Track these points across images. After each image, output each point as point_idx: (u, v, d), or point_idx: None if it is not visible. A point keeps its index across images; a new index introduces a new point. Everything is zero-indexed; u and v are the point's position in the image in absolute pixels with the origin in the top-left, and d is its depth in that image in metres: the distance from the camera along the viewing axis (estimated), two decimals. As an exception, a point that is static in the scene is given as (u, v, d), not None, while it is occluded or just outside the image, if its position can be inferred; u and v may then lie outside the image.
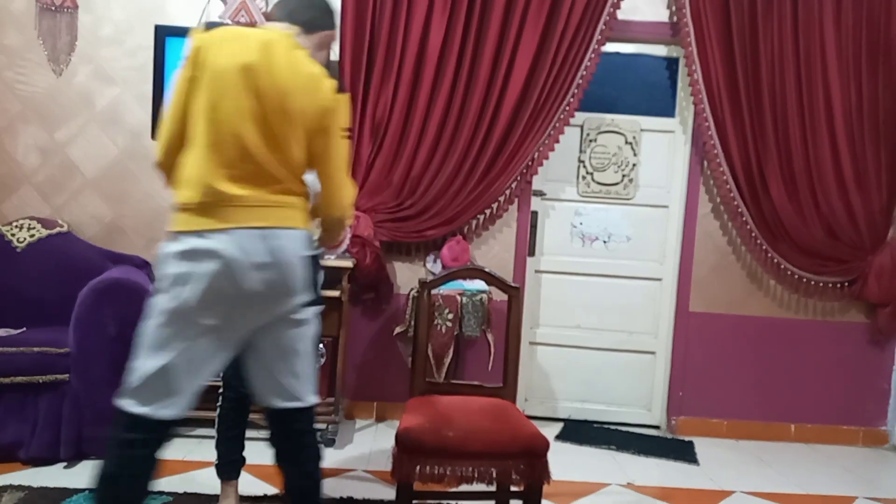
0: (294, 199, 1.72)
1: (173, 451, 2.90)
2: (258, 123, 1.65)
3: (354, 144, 3.40)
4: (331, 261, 2.99)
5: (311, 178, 1.80)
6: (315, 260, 1.78)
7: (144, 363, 1.64)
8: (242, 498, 2.46)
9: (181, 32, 3.20)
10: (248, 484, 2.59)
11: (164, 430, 1.68)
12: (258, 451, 2.74)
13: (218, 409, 2.37)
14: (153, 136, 3.34)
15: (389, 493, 2.58)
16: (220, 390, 2.37)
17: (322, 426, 3.16)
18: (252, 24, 3.28)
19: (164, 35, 3.29)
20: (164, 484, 2.60)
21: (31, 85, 3.46)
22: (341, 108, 1.78)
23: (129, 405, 1.65)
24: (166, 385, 1.64)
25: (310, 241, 1.77)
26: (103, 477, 1.64)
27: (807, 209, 3.54)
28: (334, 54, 3.37)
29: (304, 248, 1.73)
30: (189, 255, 1.61)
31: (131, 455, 1.66)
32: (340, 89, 1.77)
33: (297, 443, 1.83)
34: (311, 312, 1.80)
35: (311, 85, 1.71)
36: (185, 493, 2.54)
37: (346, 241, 2.40)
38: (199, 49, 1.68)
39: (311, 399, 1.83)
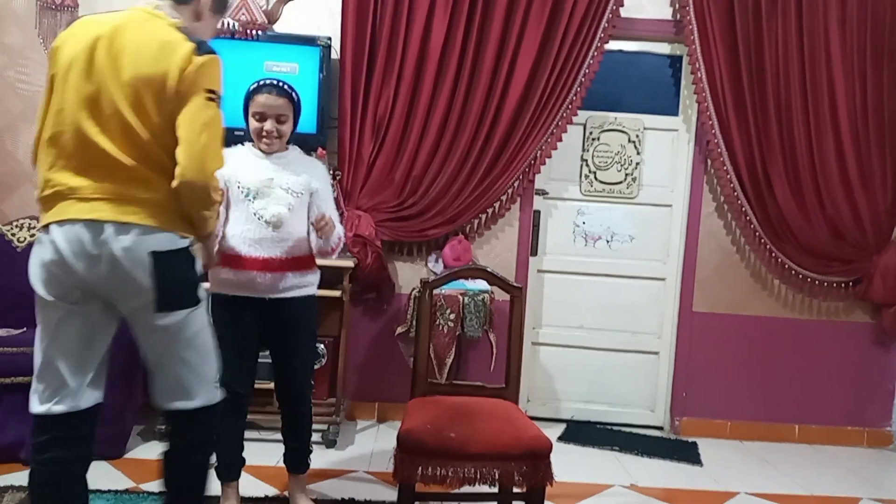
0: (145, 194, 1.60)
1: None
2: (98, 108, 1.58)
3: (355, 143, 3.39)
4: (331, 261, 2.97)
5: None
6: (177, 258, 1.64)
7: (35, 359, 1.67)
8: (243, 499, 2.45)
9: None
10: (249, 485, 2.58)
11: (67, 429, 1.67)
12: (258, 453, 2.74)
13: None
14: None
15: (391, 494, 2.57)
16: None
17: (323, 427, 3.15)
18: (253, 23, 3.26)
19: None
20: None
21: (32, 84, 3.45)
22: (203, 70, 1.59)
23: (32, 406, 1.67)
24: (53, 377, 1.65)
25: (161, 239, 1.61)
26: (28, 487, 1.66)
27: (811, 209, 3.52)
28: (335, 53, 3.37)
29: (148, 246, 1.59)
30: (38, 247, 1.64)
31: (42, 460, 1.66)
32: (205, 51, 1.62)
33: (176, 443, 1.77)
34: (180, 316, 1.66)
35: (162, 52, 1.58)
36: (186, 494, 2.53)
37: (340, 246, 2.39)
38: (57, 47, 1.66)
39: (174, 405, 1.71)
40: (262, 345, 2.38)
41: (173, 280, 1.63)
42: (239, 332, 2.30)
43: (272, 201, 2.26)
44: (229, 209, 2.27)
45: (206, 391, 1.74)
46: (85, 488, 1.74)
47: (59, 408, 1.65)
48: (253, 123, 2.29)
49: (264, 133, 2.27)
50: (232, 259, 2.25)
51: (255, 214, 2.24)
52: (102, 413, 2.59)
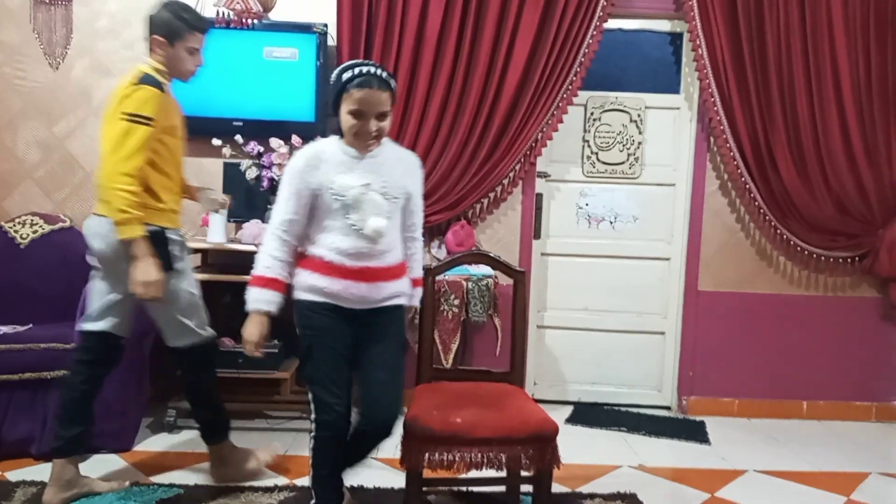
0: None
1: (184, 443, 2.94)
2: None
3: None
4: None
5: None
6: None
7: None
8: (253, 489, 2.46)
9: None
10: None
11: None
12: (266, 442, 2.74)
13: (311, 441, 2.03)
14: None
15: (399, 480, 2.57)
16: (313, 416, 2.01)
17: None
18: (247, 11, 3.23)
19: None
20: (175, 477, 2.62)
21: (30, 80, 3.44)
22: (123, 98, 2.15)
23: None
24: None
25: (101, 224, 2.24)
26: None
27: (816, 184, 3.49)
28: (332, 39, 3.35)
29: (96, 229, 2.27)
30: None
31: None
32: (135, 84, 2.16)
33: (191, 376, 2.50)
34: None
35: (114, 94, 2.20)
36: (196, 486, 2.54)
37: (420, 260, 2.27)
38: None
39: (176, 343, 2.41)
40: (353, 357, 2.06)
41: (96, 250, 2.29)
42: (330, 344, 2.01)
43: (370, 211, 1.96)
44: (320, 215, 1.99)
45: (190, 335, 2.42)
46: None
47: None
48: (348, 120, 1.94)
49: (365, 134, 1.95)
50: (324, 266, 1.98)
51: (352, 226, 1.95)
52: (111, 406, 2.65)
